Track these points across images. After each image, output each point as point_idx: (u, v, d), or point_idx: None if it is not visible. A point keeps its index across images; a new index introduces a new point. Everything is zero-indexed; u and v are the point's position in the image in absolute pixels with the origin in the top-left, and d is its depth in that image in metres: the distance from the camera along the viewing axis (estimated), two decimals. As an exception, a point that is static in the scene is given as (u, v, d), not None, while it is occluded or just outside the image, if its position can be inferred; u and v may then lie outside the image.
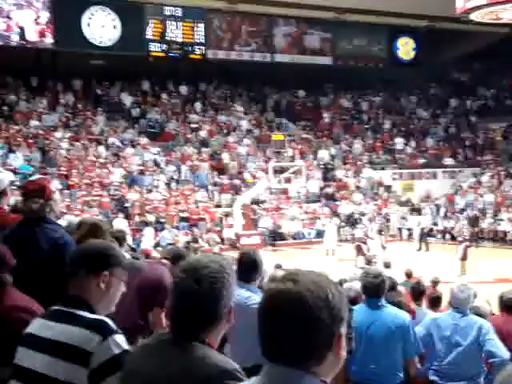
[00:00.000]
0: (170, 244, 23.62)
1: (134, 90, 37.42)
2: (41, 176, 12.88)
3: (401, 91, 43.97)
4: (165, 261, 6.52)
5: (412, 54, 41.81)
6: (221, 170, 33.80)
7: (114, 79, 36.47)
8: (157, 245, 25.39)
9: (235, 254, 11.53)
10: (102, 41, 33.87)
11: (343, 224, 31.78)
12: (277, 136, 36.46)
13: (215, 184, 32.88)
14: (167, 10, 35.26)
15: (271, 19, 38.23)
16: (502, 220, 31.65)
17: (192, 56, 36.11)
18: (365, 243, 24.61)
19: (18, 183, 22.37)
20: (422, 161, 38.99)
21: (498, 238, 30.74)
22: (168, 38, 35.35)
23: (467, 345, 5.66)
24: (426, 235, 29.18)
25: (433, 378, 5.84)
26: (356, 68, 40.33)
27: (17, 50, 32.10)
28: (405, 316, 5.48)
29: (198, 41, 36.13)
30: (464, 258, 21.84)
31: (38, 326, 2.82)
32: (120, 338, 2.71)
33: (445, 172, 38.14)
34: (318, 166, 36.37)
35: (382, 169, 37.31)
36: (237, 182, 32.94)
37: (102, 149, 32.34)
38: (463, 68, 43.36)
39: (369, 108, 43.04)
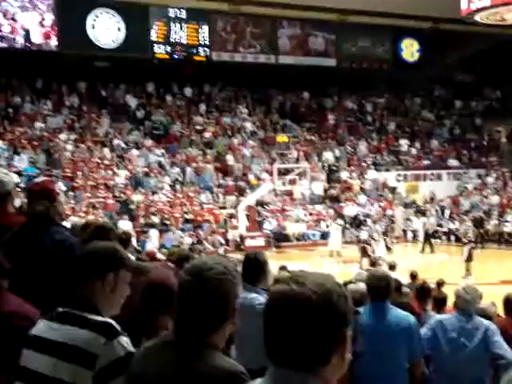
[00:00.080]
0: (175, 246, 23.64)
1: (139, 91, 37.47)
2: (46, 178, 12.87)
3: (405, 93, 43.94)
4: (171, 264, 6.54)
5: (416, 56, 41.75)
6: (225, 171, 33.83)
7: (118, 81, 36.54)
8: (161, 246, 25.39)
9: (240, 256, 11.53)
10: (107, 43, 33.92)
11: (348, 226, 31.75)
12: (281, 138, 36.48)
13: (220, 186, 32.90)
14: (171, 12, 35.29)
15: (275, 21, 38.21)
16: (507, 221, 31.63)
17: (196, 58, 36.14)
18: (369, 245, 24.59)
19: (23, 185, 22.48)
20: (426, 162, 38.96)
21: (503, 240, 30.68)
22: (172, 40, 35.38)
23: (473, 347, 5.64)
24: (430, 237, 29.13)
25: (438, 380, 5.82)
26: (360, 69, 40.28)
27: (22, 53, 32.14)
28: (410, 318, 5.47)
29: (203, 43, 36.16)
30: (469, 259, 21.80)
31: (43, 328, 2.82)
32: (125, 340, 2.71)
33: (449, 173, 38.10)
34: (323, 167, 36.37)
35: (387, 170, 37.29)
36: (241, 183, 32.95)
37: (106, 151, 32.39)
38: (467, 69, 43.28)
39: (373, 109, 43.01)
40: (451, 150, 40.58)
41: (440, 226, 32.67)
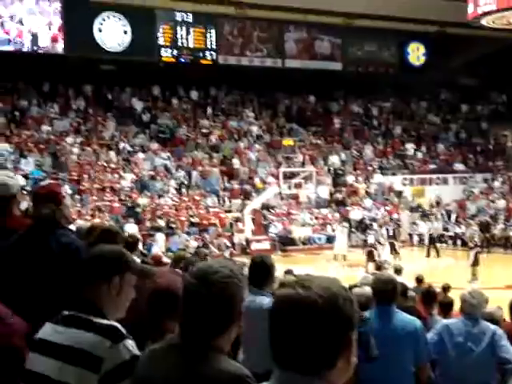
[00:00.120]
0: (181, 249, 23.64)
1: (145, 95, 37.53)
2: (52, 181, 12.91)
3: (411, 96, 43.91)
4: (179, 270, 6.55)
5: (422, 60, 41.74)
6: (231, 175, 33.85)
7: (124, 84, 36.61)
8: (167, 250, 25.39)
9: (246, 259, 11.53)
10: (113, 46, 33.99)
11: (353, 229, 31.73)
12: (287, 141, 36.51)
13: (225, 189, 32.92)
14: (178, 16, 35.34)
15: (282, 25, 38.26)
16: (513, 226, 31.55)
17: (203, 61, 36.18)
18: (376, 249, 24.58)
19: (29, 188, 22.52)
20: (432, 166, 38.90)
21: (510, 244, 30.61)
22: (179, 44, 35.43)
23: (480, 351, 5.63)
24: (434, 241, 29.07)
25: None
26: (366, 73, 40.28)
27: (29, 56, 32.23)
28: (416, 322, 5.46)
29: (209, 46, 36.21)
30: (475, 263, 21.76)
31: (49, 331, 2.83)
32: (130, 344, 2.71)
33: (455, 178, 38.05)
34: (329, 171, 36.36)
35: (393, 174, 37.25)
36: (247, 187, 32.96)
37: (112, 154, 32.44)
38: (473, 73, 43.22)
39: (379, 113, 42.99)
40: (457, 154, 40.53)
41: (446, 230, 32.63)
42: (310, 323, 1.73)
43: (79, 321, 2.76)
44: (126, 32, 34.22)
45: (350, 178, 36.28)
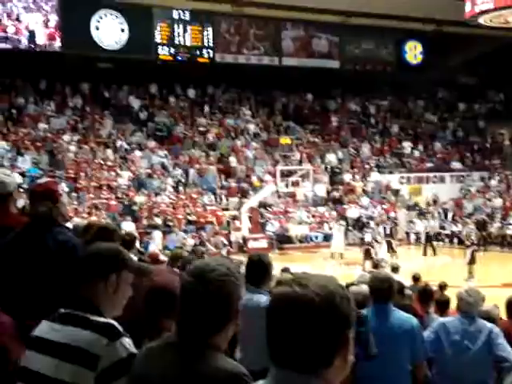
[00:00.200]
0: (178, 247, 23.63)
1: (142, 93, 37.52)
2: (48, 179, 12.89)
3: (408, 95, 43.94)
4: (176, 269, 6.55)
5: (420, 58, 41.76)
6: (228, 173, 33.84)
7: (121, 82, 36.59)
8: (164, 248, 25.40)
9: (243, 258, 11.52)
10: (110, 44, 33.96)
11: (350, 228, 31.76)
12: (284, 140, 36.51)
13: (223, 187, 32.92)
14: (175, 14, 35.33)
15: (279, 23, 38.25)
16: (510, 224, 31.61)
17: (200, 59, 36.16)
18: (373, 247, 24.60)
19: (25, 186, 22.50)
20: (429, 165, 38.92)
21: (506, 243, 30.65)
22: (176, 42, 35.40)
23: (477, 349, 5.63)
24: (431, 239, 29.08)
25: (441, 382, 5.81)
26: (364, 72, 40.29)
27: (26, 53, 32.20)
28: (412, 320, 5.46)
29: (206, 44, 36.19)
30: (472, 262, 21.79)
31: (45, 329, 2.82)
32: (127, 342, 2.71)
33: (452, 176, 38.07)
34: (326, 169, 36.36)
35: (390, 173, 37.27)
36: (244, 185, 32.97)
37: (109, 152, 32.42)
38: (471, 72, 43.26)
39: (376, 112, 43.00)
40: (454, 153, 40.55)
41: (443, 228, 32.66)
42: (306, 321, 1.73)
43: (76, 319, 2.76)
44: (123, 30, 34.19)
45: (347, 177, 36.30)
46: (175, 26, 35.40)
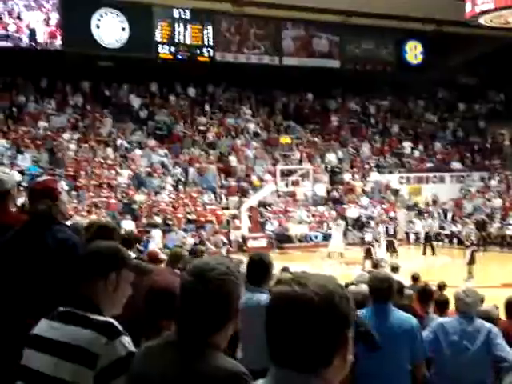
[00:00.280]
0: (178, 246, 23.62)
1: (143, 91, 37.53)
2: (48, 177, 12.88)
3: (409, 95, 43.94)
4: (177, 270, 6.55)
5: (420, 58, 41.76)
6: (228, 172, 33.85)
7: (122, 81, 36.60)
8: (164, 247, 25.40)
9: (243, 257, 11.52)
10: (111, 42, 33.97)
11: (350, 227, 31.76)
12: (284, 139, 36.51)
13: (222, 186, 32.92)
14: (176, 13, 35.33)
15: (279, 22, 38.24)
16: (509, 224, 31.60)
17: (200, 58, 36.16)
18: (373, 246, 24.61)
19: (25, 184, 22.50)
20: (429, 165, 38.92)
21: (506, 243, 30.65)
22: (176, 41, 35.41)
23: (475, 349, 5.63)
24: (430, 239, 29.08)
25: (440, 383, 5.81)
26: (364, 71, 40.29)
27: (27, 52, 32.21)
28: (412, 320, 5.46)
29: (207, 43, 36.19)
30: (471, 262, 21.78)
31: (45, 328, 2.82)
32: (126, 340, 2.71)
33: (452, 176, 38.08)
34: (326, 169, 36.37)
35: (390, 172, 37.28)
36: (244, 184, 32.97)
37: (109, 150, 32.43)
38: (471, 72, 43.27)
39: (376, 112, 43.00)
40: (454, 153, 40.55)
41: (442, 228, 32.67)
42: (306, 321, 1.73)
43: (75, 317, 2.76)
44: (123, 28, 34.19)
45: (346, 176, 36.31)
46: (176, 24, 35.40)
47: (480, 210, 34.02)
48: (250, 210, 30.75)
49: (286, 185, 32.33)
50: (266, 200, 32.34)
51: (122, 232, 8.60)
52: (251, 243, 28.84)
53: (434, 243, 29.17)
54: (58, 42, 32.80)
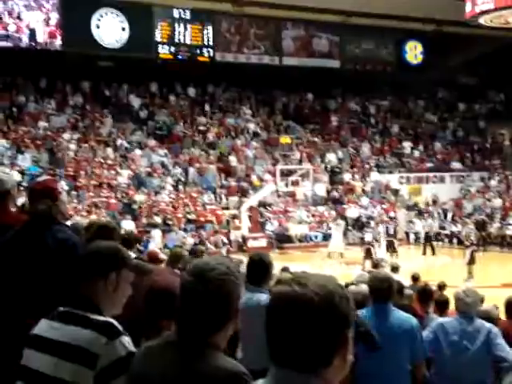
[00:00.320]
0: (178, 246, 23.61)
1: (143, 91, 37.52)
2: (48, 177, 12.88)
3: (409, 95, 43.95)
4: (177, 271, 6.55)
5: (420, 58, 41.77)
6: (228, 172, 33.85)
7: (122, 81, 36.59)
8: (164, 247, 25.40)
9: (243, 257, 11.52)
10: (111, 42, 33.97)
11: (350, 227, 31.76)
12: (284, 139, 36.51)
13: (222, 186, 32.92)
14: (176, 13, 35.32)
15: (279, 22, 38.24)
16: (509, 224, 31.61)
17: (200, 58, 36.16)
18: (373, 246, 24.61)
19: (25, 184, 22.50)
20: (429, 165, 38.92)
21: (506, 243, 30.65)
22: (176, 41, 35.40)
23: (475, 349, 5.62)
24: (430, 239, 29.08)
25: (440, 383, 5.81)
26: (364, 71, 40.30)
27: (27, 52, 32.21)
28: (412, 320, 5.45)
29: (207, 43, 36.19)
30: (471, 262, 21.78)
31: (44, 327, 2.82)
32: (126, 340, 2.71)
33: (452, 176, 38.09)
34: (326, 169, 36.37)
35: (390, 172, 37.28)
36: (244, 184, 32.97)
37: (109, 150, 32.43)
38: (471, 72, 43.28)
39: (376, 112, 43.01)
40: (454, 153, 40.56)
41: (442, 228, 32.67)
42: (305, 320, 1.73)
43: (75, 317, 2.76)
44: (123, 28, 34.19)
45: (346, 176, 36.31)
46: (176, 24, 35.40)
47: (480, 210, 34.03)
48: (249, 209, 30.75)
49: (286, 185, 32.33)
50: (265, 200, 32.34)
51: (122, 232, 8.60)
52: (251, 243, 28.84)
53: (434, 243, 29.18)
54: (58, 41, 32.80)
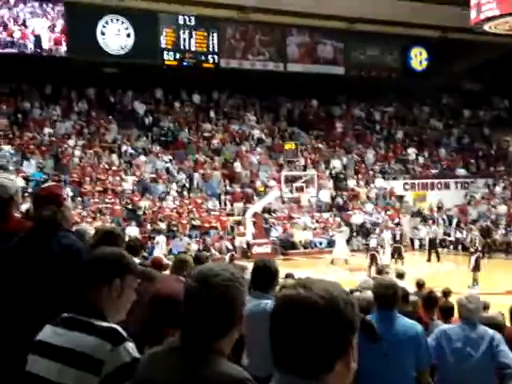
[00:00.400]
0: (182, 252, 23.61)
1: (147, 98, 37.58)
2: (53, 183, 12.91)
3: (413, 101, 43.93)
4: (182, 278, 6.55)
5: (424, 65, 41.76)
6: (233, 178, 33.86)
7: (127, 87, 36.64)
8: (169, 253, 25.42)
9: (247, 263, 11.52)
10: (116, 49, 34.03)
11: (354, 234, 31.72)
12: (289, 145, 36.50)
13: (227, 193, 32.93)
14: (181, 19, 35.38)
15: (284, 29, 38.29)
16: (514, 231, 31.52)
17: (205, 65, 36.21)
18: (378, 253, 24.57)
19: (30, 190, 22.55)
20: (434, 171, 38.89)
21: (511, 250, 30.58)
22: (181, 47, 35.46)
23: (479, 356, 5.61)
24: (435, 245, 29.02)
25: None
26: (369, 78, 40.30)
27: (32, 58, 32.28)
28: (417, 327, 5.44)
29: (212, 50, 36.24)
30: (476, 269, 21.71)
31: (49, 333, 2.82)
32: (131, 346, 2.71)
33: (457, 182, 38.03)
34: (330, 175, 36.35)
35: (394, 179, 37.25)
36: (249, 190, 32.97)
37: (114, 157, 32.48)
38: (476, 78, 43.26)
39: (381, 118, 43.00)
40: (459, 159, 40.52)
41: (447, 235, 32.60)
42: (310, 324, 1.73)
43: (80, 323, 2.76)
44: (128, 35, 34.26)
45: (351, 183, 36.29)
46: (181, 31, 35.46)
47: (485, 216, 33.97)
48: (254, 216, 30.75)
49: (291, 191, 32.32)
50: (270, 206, 32.33)
51: (127, 238, 8.60)
52: (256, 249, 28.83)
53: (439, 249, 29.12)
54: (63, 48, 32.88)
